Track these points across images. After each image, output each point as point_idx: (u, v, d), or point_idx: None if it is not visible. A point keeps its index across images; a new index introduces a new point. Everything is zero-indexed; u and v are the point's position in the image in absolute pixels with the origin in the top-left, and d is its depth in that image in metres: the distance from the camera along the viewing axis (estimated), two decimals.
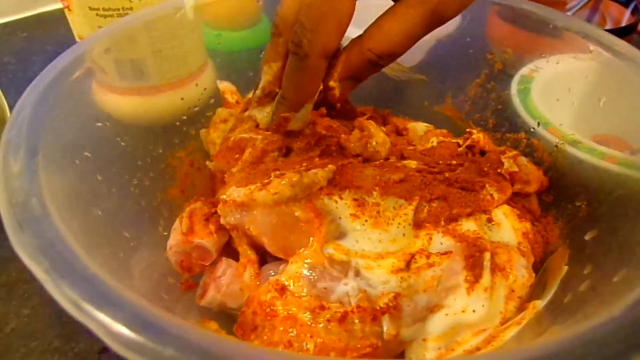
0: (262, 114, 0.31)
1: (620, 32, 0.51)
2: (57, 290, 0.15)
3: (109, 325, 0.14)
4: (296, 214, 0.26)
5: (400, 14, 0.26)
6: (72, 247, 0.17)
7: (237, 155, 0.30)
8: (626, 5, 0.56)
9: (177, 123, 0.36)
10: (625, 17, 0.56)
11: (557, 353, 0.14)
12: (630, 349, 0.14)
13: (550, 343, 0.14)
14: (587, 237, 0.27)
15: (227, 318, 0.28)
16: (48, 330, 0.32)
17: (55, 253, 0.16)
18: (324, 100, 0.31)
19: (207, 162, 0.32)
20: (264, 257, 0.29)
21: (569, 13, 0.58)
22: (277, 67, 0.30)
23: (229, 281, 0.28)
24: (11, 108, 0.52)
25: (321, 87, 0.29)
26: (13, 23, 0.68)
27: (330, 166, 0.28)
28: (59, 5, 0.69)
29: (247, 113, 0.32)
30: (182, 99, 0.37)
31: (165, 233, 0.30)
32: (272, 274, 0.27)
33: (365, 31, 0.28)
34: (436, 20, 0.26)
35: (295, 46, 0.26)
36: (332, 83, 0.29)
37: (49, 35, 0.66)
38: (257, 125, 0.31)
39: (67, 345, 0.31)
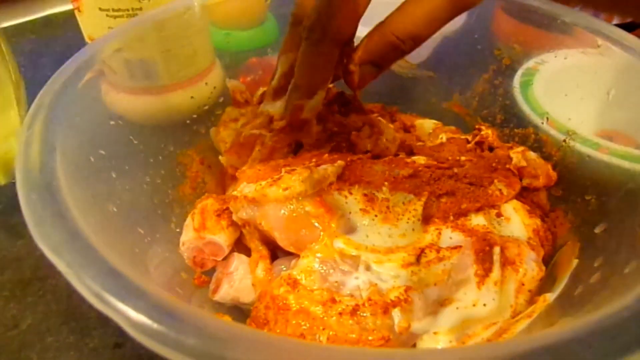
0: (275, 108, 0.31)
1: (628, 27, 0.50)
2: (80, 282, 0.16)
3: (131, 316, 0.15)
4: (307, 208, 0.26)
5: None
6: (91, 242, 0.17)
7: (248, 152, 0.31)
8: None
9: (188, 121, 0.37)
10: None
11: (569, 342, 0.14)
12: None
13: (561, 332, 0.14)
14: (597, 230, 0.27)
15: (240, 313, 0.28)
16: (63, 326, 0.33)
17: (76, 247, 0.17)
18: (338, 98, 0.31)
19: (220, 157, 0.33)
20: (275, 253, 0.30)
21: (576, 8, 0.58)
22: (294, 58, 0.29)
23: (241, 276, 0.28)
24: None
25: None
26: (22, 25, 0.69)
27: (339, 162, 0.28)
28: (68, 7, 0.70)
29: (260, 108, 0.32)
30: (192, 97, 0.38)
31: (178, 230, 0.31)
32: (284, 269, 0.28)
33: (388, 16, 0.27)
34: (461, 5, 0.26)
35: (308, 31, 0.26)
36: (352, 67, 0.28)
37: (58, 37, 0.66)
38: (271, 121, 0.31)
39: (81, 341, 0.32)
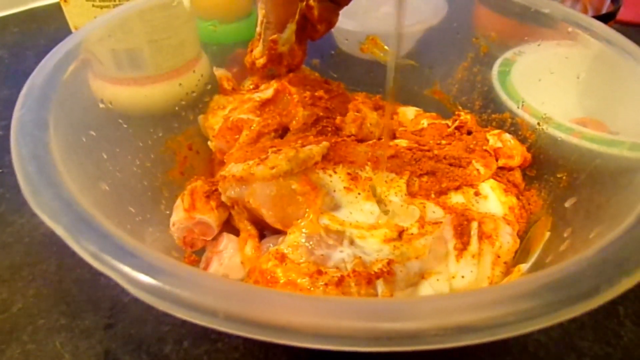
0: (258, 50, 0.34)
1: (601, 20, 0.53)
2: (78, 245, 0.16)
3: (129, 274, 0.15)
4: (293, 186, 0.27)
5: None
6: (87, 208, 0.18)
7: (236, 136, 0.32)
8: None
9: (176, 108, 0.37)
10: (606, 6, 0.58)
11: (535, 289, 0.16)
12: (601, 283, 0.16)
13: (527, 281, 0.16)
14: (567, 205, 0.29)
15: None
16: (54, 309, 0.33)
17: (72, 212, 0.18)
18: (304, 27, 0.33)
19: (209, 142, 0.33)
20: (263, 234, 0.31)
21: None
22: None
23: (230, 254, 0.29)
24: (5, 101, 0.53)
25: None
26: (6, 18, 0.69)
27: (324, 142, 0.29)
28: (51, 0, 0.69)
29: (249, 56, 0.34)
30: (180, 84, 0.39)
31: (167, 212, 0.31)
32: (272, 246, 0.29)
33: None
34: None
35: None
36: (311, 2, 0.31)
37: (41, 30, 0.66)
38: (254, 63, 0.34)
39: (73, 323, 0.32)
